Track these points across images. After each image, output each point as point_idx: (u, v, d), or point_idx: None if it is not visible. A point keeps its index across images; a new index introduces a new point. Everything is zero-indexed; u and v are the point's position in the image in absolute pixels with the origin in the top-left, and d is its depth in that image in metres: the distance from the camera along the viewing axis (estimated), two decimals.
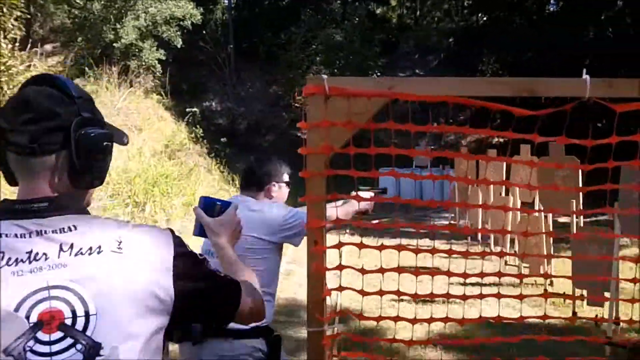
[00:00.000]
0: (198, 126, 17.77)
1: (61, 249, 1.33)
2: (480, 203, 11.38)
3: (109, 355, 1.29)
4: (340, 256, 2.46)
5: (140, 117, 16.40)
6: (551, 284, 8.14)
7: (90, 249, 1.34)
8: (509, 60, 21.02)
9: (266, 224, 3.11)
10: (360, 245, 2.56)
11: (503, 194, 10.75)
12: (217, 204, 1.97)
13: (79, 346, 1.27)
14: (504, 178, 10.74)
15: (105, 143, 1.46)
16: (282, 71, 22.94)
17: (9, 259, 1.31)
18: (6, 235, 1.33)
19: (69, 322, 1.28)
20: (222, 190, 15.26)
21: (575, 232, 6.68)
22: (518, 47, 19.79)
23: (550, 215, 7.93)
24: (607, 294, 6.38)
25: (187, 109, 18.88)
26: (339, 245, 2.41)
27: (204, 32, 22.02)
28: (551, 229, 7.83)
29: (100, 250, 1.35)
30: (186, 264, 1.46)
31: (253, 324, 2.14)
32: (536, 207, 9.18)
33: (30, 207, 1.38)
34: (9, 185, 1.48)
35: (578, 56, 17.51)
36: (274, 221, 3.14)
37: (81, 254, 1.33)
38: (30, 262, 1.31)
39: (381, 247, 2.51)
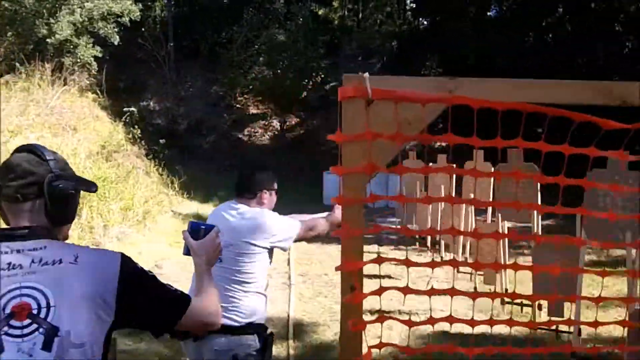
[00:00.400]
0: (136, 126, 17.06)
1: (32, 261, 1.83)
2: (430, 208, 11.18)
3: (64, 335, 1.75)
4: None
5: (74, 117, 15.65)
6: (506, 292, 7.96)
7: (54, 261, 1.84)
8: (452, 64, 21.05)
9: (259, 231, 3.41)
10: (406, 290, 2.19)
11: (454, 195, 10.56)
12: (201, 228, 2.32)
13: (41, 330, 1.74)
14: (455, 183, 10.57)
15: (70, 191, 2.00)
16: (223, 71, 22.37)
17: None
18: None
19: (35, 312, 1.75)
20: (162, 194, 14.67)
21: (536, 241, 6.46)
22: (461, 51, 19.82)
23: (504, 223, 7.71)
24: (566, 305, 6.21)
25: (125, 109, 18.14)
26: (380, 291, 2.01)
27: (143, 29, 21.23)
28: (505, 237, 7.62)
29: (61, 261, 1.85)
30: (131, 277, 1.93)
31: (248, 320, 3.28)
32: (489, 214, 9.01)
33: (14, 233, 1.91)
34: (4, 223, 2.00)
35: (520, 61, 17.64)
36: (266, 229, 3.45)
37: (47, 264, 1.83)
38: (8, 270, 1.81)
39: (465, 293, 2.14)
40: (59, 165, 2.00)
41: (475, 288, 8.22)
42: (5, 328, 1.73)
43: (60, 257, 1.86)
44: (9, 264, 1.82)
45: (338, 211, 3.75)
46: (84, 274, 1.84)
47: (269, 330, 3.50)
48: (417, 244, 11.95)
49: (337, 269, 2.07)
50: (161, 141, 18.53)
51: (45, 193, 1.94)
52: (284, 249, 3.60)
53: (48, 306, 1.76)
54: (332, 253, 10.98)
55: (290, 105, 22.47)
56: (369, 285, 8.81)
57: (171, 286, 2.05)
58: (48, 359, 1.74)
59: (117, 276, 1.89)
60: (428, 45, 21.93)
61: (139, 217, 11.54)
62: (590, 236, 5.50)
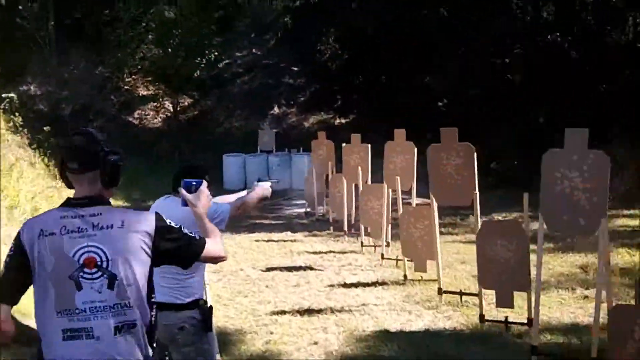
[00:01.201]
0: (17, 114, 15.55)
1: (93, 226, 2.51)
2: (345, 191, 10.71)
3: (120, 280, 2.45)
4: None
5: None
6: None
7: (107, 226, 2.51)
8: (349, 40, 20.63)
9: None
10: None
11: (369, 181, 10.10)
12: (193, 184, 3.07)
13: (105, 276, 2.46)
14: (370, 164, 10.12)
15: (119, 163, 2.63)
16: (109, 51, 20.91)
17: (68, 229, 2.49)
18: (65, 217, 2.52)
19: (99, 263, 2.46)
20: (50, 188, 13.36)
21: (480, 226, 6.07)
22: (358, 25, 19.37)
23: (435, 206, 7.29)
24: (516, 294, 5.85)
25: (3, 95, 16.54)
26: None
27: (20, 7, 19.48)
28: (437, 221, 7.18)
29: (112, 227, 2.51)
30: (162, 230, 2.60)
31: (190, 299, 3.85)
32: (414, 195, 8.58)
33: (78, 202, 2.57)
34: (68, 189, 2.66)
35: (424, 35, 17.38)
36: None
37: (102, 228, 2.50)
38: (78, 232, 2.49)
39: None
40: (108, 145, 2.60)
41: (405, 276, 7.81)
42: (81, 274, 2.44)
43: (112, 222, 2.51)
44: (78, 227, 2.49)
45: (259, 188, 4.38)
46: (130, 232, 2.51)
47: (208, 304, 4.01)
48: (331, 228, 11.47)
49: None
50: (45, 128, 17.03)
51: (101, 165, 2.55)
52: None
53: (107, 260, 2.45)
54: (243, 244, 10.32)
55: (182, 85, 21.28)
56: (290, 279, 8.00)
57: (191, 232, 2.69)
58: (112, 295, 2.44)
59: (154, 229, 2.55)
60: (323, 20, 21.35)
61: (27, 215, 10.38)
62: (548, 223, 5.12)
